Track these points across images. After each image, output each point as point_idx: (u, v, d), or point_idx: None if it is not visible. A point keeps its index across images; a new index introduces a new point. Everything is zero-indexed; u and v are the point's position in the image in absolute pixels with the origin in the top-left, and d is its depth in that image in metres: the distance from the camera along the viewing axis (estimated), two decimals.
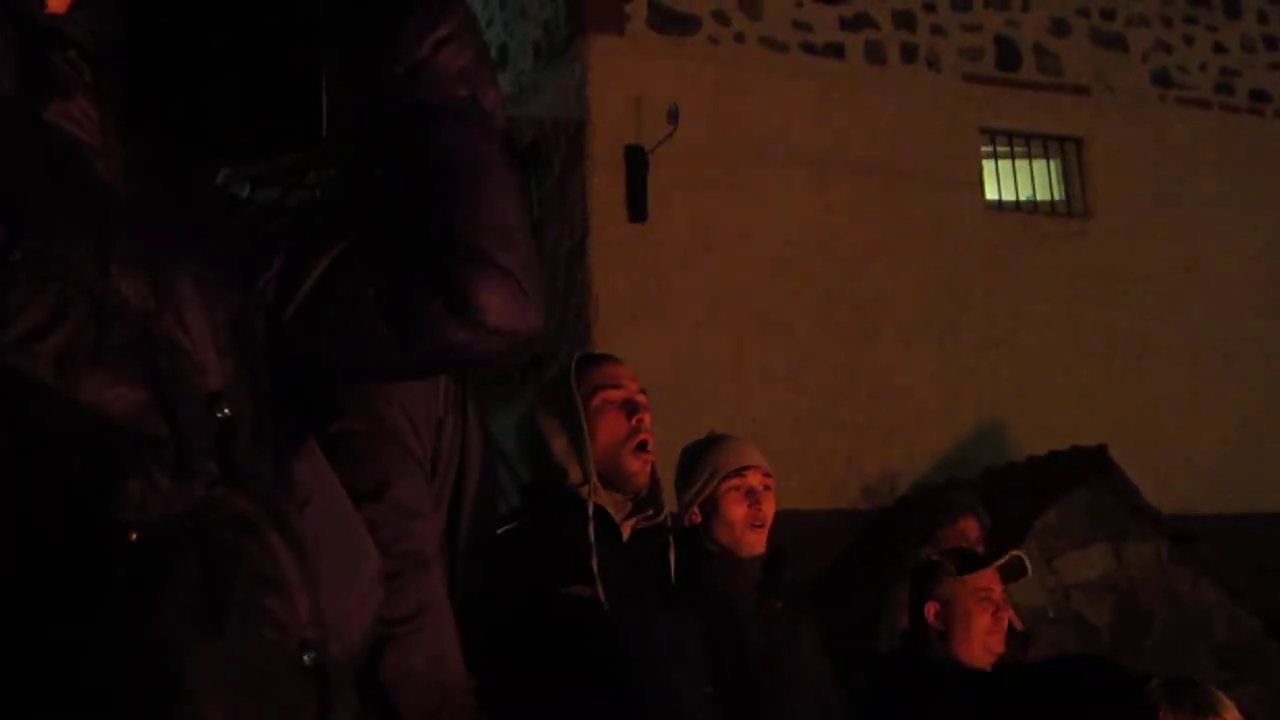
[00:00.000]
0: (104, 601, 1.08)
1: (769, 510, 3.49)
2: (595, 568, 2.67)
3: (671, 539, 2.93)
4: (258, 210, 1.42)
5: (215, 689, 1.10)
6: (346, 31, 1.31)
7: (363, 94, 1.38)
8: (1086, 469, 8.25)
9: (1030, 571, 3.87)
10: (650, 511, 2.92)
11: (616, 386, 2.89)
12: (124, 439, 1.12)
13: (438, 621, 1.96)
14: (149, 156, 1.29)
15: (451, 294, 1.31)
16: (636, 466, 2.84)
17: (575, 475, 2.81)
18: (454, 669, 1.96)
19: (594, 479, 2.78)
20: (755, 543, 3.46)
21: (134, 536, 1.10)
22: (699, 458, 3.57)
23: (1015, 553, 3.77)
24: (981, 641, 3.61)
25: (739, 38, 9.85)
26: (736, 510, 3.45)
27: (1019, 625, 4.61)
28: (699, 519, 3.49)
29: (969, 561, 3.73)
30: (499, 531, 2.71)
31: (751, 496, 3.47)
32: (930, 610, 3.64)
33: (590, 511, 2.73)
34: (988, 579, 3.67)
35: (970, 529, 4.78)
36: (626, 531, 2.87)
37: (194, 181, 1.35)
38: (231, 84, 1.33)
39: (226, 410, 1.20)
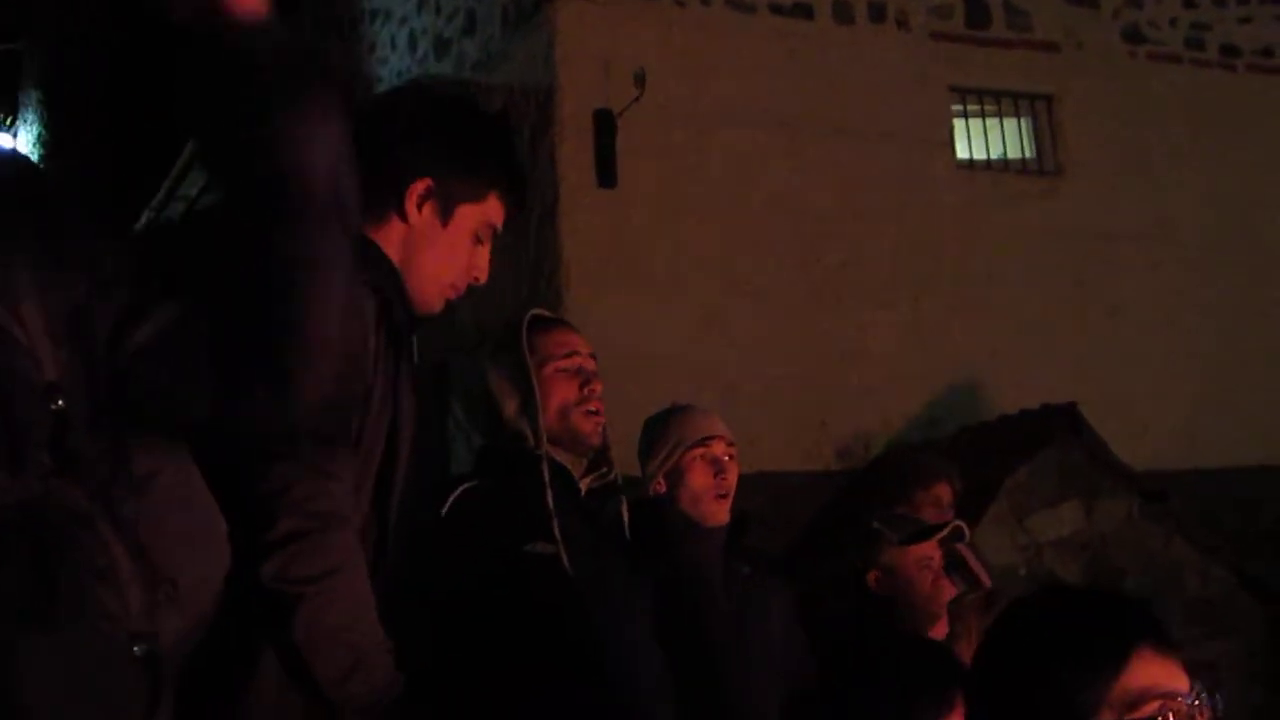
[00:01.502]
0: None
1: (733, 480, 3.52)
2: (555, 525, 2.69)
3: (624, 498, 2.96)
4: (114, 213, 1.42)
5: (44, 680, 1.10)
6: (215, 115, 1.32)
7: (223, 175, 1.39)
8: (1057, 427, 8.27)
9: (969, 537, 3.95)
10: (604, 469, 2.95)
11: (568, 356, 2.91)
12: None
13: (350, 582, 1.96)
14: None
15: (277, 381, 1.37)
16: (589, 428, 2.88)
17: (529, 437, 2.82)
18: (369, 630, 1.96)
19: (545, 443, 2.80)
20: (719, 512, 3.48)
21: None
22: (662, 428, 3.59)
23: (956, 523, 3.84)
24: (924, 609, 3.68)
25: (706, 1, 9.80)
26: (701, 480, 3.48)
27: (986, 580, 4.64)
28: (664, 489, 3.50)
29: (910, 531, 3.78)
30: (458, 491, 2.73)
31: (716, 466, 3.50)
32: (872, 578, 3.70)
33: (546, 473, 2.75)
34: (929, 548, 3.73)
35: (944, 494, 4.80)
36: (583, 489, 2.90)
37: (34, 170, 1.34)
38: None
39: (61, 402, 1.20)
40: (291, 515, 1.91)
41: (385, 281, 2.23)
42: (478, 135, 2.42)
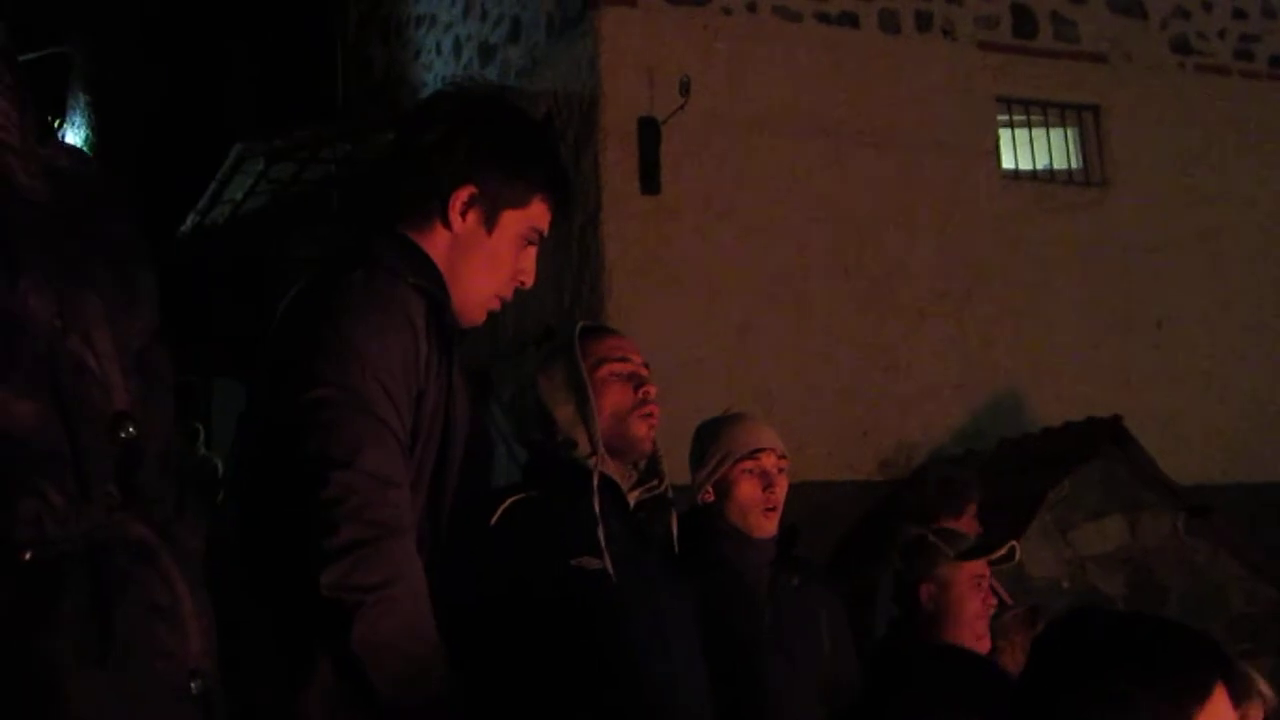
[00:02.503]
0: None
1: (782, 493, 3.47)
2: (603, 539, 2.65)
3: (674, 510, 2.91)
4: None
5: (96, 716, 1.08)
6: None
7: None
8: (1102, 440, 8.19)
9: (1018, 557, 3.90)
10: (654, 482, 2.90)
11: (622, 360, 2.86)
12: (22, 456, 1.09)
13: (409, 590, 1.94)
14: (67, 166, 1.26)
15: None
16: (643, 431, 2.80)
17: (584, 445, 2.78)
18: (427, 639, 1.95)
19: (601, 448, 2.76)
20: (767, 526, 3.44)
21: (27, 556, 1.07)
22: (713, 437, 3.54)
23: (1013, 543, 3.79)
24: (971, 626, 3.64)
25: (752, 8, 9.78)
26: (749, 493, 3.43)
27: (1008, 600, 4.61)
28: (712, 498, 3.46)
29: (966, 547, 3.74)
30: (506, 504, 2.70)
31: (765, 479, 3.45)
32: (925, 593, 3.65)
33: (597, 482, 2.71)
34: (982, 565, 3.69)
35: (971, 511, 4.84)
36: (632, 502, 2.85)
37: (110, 198, 1.32)
38: (248, 58, 1.33)
39: (131, 430, 1.18)
40: (352, 523, 1.91)
41: (433, 286, 2.22)
42: (520, 139, 2.40)
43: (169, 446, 1.25)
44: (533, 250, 2.38)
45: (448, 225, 2.30)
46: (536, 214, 2.36)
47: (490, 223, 2.31)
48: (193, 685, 1.17)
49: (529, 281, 2.38)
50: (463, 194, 2.29)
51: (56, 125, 16.03)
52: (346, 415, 1.99)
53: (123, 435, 1.17)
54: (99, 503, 1.13)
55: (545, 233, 2.40)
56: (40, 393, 1.12)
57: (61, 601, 1.08)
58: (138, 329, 1.24)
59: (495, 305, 2.37)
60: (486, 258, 2.31)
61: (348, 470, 1.94)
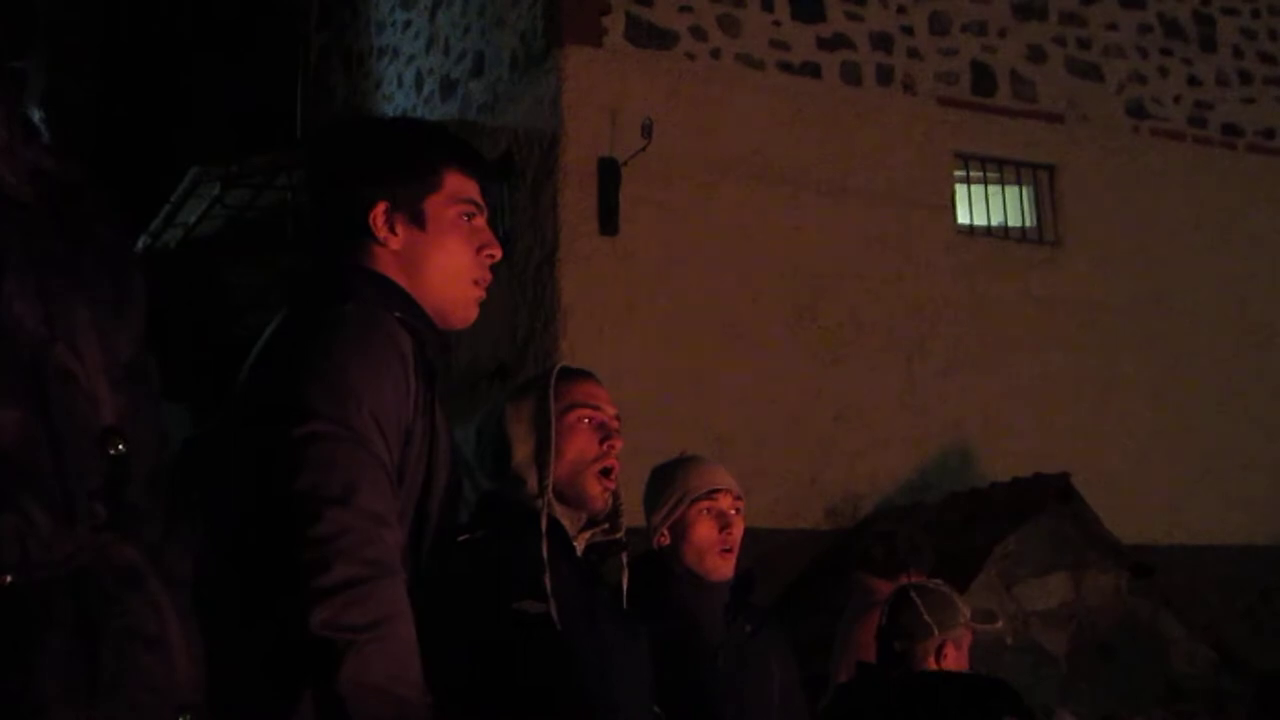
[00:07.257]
0: None
1: (738, 534, 3.43)
2: (548, 583, 2.60)
3: (625, 557, 2.87)
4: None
5: None
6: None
7: None
8: (1049, 496, 8.24)
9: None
10: (606, 526, 2.86)
11: (594, 408, 2.80)
12: (4, 471, 1.03)
13: (400, 632, 1.90)
14: (53, 167, 1.22)
15: None
16: (597, 490, 2.75)
17: (532, 486, 2.73)
18: (414, 683, 1.90)
19: (549, 493, 2.71)
20: (724, 567, 3.40)
21: (8, 580, 1.02)
22: (669, 479, 3.50)
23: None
24: None
25: (715, 54, 9.84)
26: (706, 533, 3.39)
27: None
28: (668, 541, 3.43)
29: (977, 613, 3.80)
30: (455, 542, 2.65)
31: (721, 519, 3.41)
32: (950, 650, 3.66)
33: (545, 525, 2.66)
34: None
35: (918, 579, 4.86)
36: (581, 545, 2.80)
37: (97, 202, 1.28)
38: (208, 83, 1.30)
39: (121, 447, 1.12)
40: (346, 562, 1.86)
41: (413, 317, 2.19)
42: (397, 139, 2.39)
43: (159, 464, 1.20)
44: (480, 220, 2.35)
45: (384, 244, 2.28)
46: (457, 187, 2.32)
47: (420, 221, 2.28)
48: None
49: (497, 252, 2.35)
50: (378, 213, 2.27)
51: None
52: (341, 451, 1.94)
53: (111, 451, 1.12)
54: (85, 523, 1.08)
55: (480, 199, 2.37)
56: (25, 403, 1.06)
57: (47, 631, 1.03)
58: (126, 338, 1.19)
59: (480, 292, 2.34)
60: (437, 254, 2.28)
61: (342, 507, 1.89)
